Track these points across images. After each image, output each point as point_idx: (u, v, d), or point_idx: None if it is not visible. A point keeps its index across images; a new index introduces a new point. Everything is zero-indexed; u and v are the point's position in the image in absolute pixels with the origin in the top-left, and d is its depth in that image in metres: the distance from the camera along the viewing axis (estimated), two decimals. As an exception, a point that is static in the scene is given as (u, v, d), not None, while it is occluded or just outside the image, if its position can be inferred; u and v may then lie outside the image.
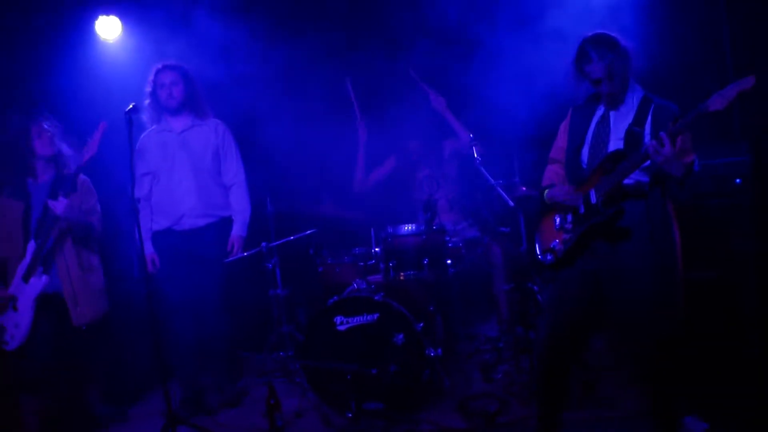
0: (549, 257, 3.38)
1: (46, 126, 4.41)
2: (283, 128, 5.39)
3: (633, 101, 3.29)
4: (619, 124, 3.29)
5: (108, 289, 4.52)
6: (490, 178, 4.54)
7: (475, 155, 4.63)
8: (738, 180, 4.40)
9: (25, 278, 4.26)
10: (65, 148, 4.47)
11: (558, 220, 3.42)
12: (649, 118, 3.21)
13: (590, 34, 3.28)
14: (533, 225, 3.57)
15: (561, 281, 3.37)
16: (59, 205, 4.20)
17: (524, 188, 4.59)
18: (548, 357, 3.33)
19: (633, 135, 3.20)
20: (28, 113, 4.42)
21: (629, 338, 3.30)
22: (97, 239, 4.50)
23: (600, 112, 3.38)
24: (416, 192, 5.38)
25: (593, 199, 3.26)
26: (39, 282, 4.25)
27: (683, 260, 3.21)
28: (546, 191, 3.48)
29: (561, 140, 3.57)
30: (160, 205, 4.82)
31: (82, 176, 4.47)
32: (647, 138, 3.19)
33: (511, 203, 4.31)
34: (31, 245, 4.29)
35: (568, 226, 3.35)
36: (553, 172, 3.61)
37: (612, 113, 3.34)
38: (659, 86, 3.48)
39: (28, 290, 4.25)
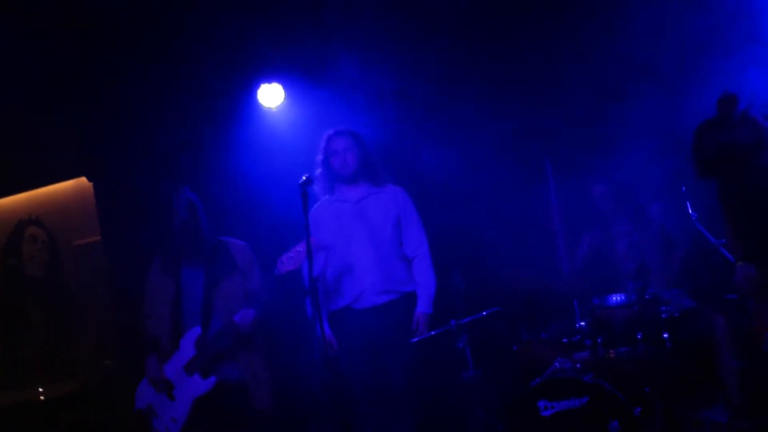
0: (765, 346, 3.31)
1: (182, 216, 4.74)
2: (470, 194, 5.65)
3: None
4: None
5: (279, 377, 4.83)
6: (711, 237, 4.53)
7: (690, 210, 4.64)
8: None
9: (188, 370, 4.59)
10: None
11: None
12: None
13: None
14: None
15: None
16: (247, 318, 4.57)
17: None
18: None
19: None
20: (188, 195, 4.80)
21: None
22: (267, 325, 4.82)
23: None
24: (619, 261, 5.43)
25: None
26: (204, 384, 4.55)
27: None
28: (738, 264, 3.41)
29: None
30: (338, 282, 5.05)
31: (239, 246, 4.83)
32: None
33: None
34: (195, 333, 4.63)
35: None
36: None
37: None
38: None
39: (190, 386, 4.57)
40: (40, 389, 6.31)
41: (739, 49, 5.05)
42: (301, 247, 4.42)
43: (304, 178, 4.35)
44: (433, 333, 4.95)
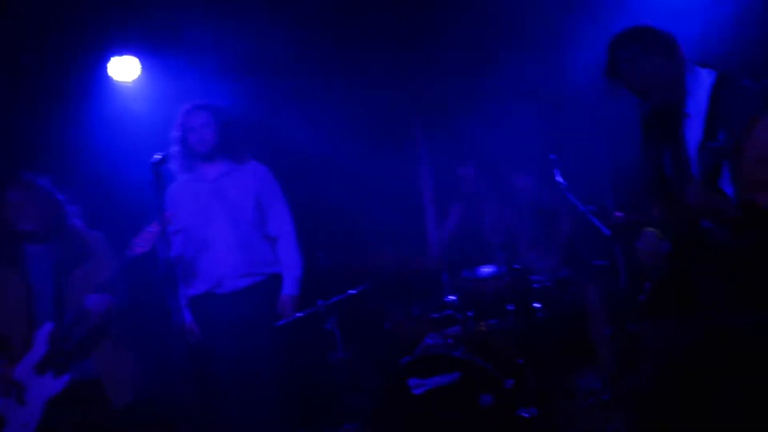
0: (641, 298, 3.18)
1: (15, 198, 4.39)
2: (335, 170, 5.47)
3: (701, 97, 2.92)
4: (692, 136, 2.95)
5: (141, 368, 4.56)
6: (579, 204, 4.47)
7: (559, 179, 4.57)
8: None
9: (39, 370, 4.24)
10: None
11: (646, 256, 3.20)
12: (722, 118, 2.80)
13: (617, 34, 3.04)
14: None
15: (657, 332, 3.20)
16: (100, 305, 4.25)
17: (620, 213, 4.50)
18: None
19: (705, 154, 2.79)
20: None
21: None
22: (127, 316, 4.53)
23: (665, 122, 3.08)
24: (489, 233, 5.34)
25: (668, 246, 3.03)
26: (56, 383, 4.22)
27: None
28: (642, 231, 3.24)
29: None
30: (196, 266, 4.80)
31: (93, 234, 4.53)
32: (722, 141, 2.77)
33: (607, 231, 4.22)
34: (46, 328, 4.29)
35: (656, 265, 3.12)
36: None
37: (685, 122, 3.00)
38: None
39: (41, 387, 4.22)
40: None
41: (609, 13, 4.96)
42: (153, 228, 4.18)
43: (157, 156, 4.06)
44: (300, 315, 4.76)
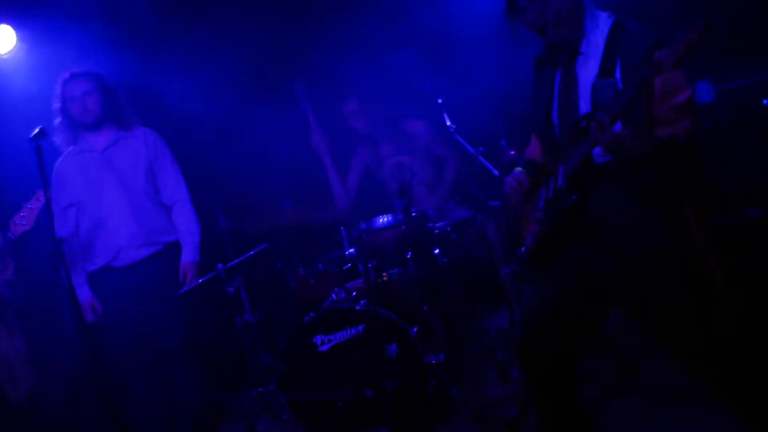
0: (522, 250, 3.12)
1: None
2: (226, 133, 5.34)
3: (597, 38, 2.93)
4: (587, 75, 2.95)
5: (36, 356, 4.43)
6: (469, 146, 4.42)
7: (448, 122, 4.51)
8: (765, 101, 4.31)
9: None
10: None
11: (531, 203, 3.14)
12: (618, 59, 2.85)
13: None
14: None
15: (534, 283, 3.10)
16: None
17: (513, 152, 4.45)
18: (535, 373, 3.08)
19: (600, 91, 2.84)
20: None
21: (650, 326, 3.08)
22: (16, 300, 4.39)
23: (561, 63, 3.07)
24: (387, 182, 5.29)
25: (559, 182, 2.95)
26: None
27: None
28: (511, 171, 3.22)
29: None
30: (92, 240, 4.65)
31: None
32: (619, 81, 2.83)
33: (497, 172, 4.19)
34: None
35: (538, 214, 3.06)
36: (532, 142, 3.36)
37: (579, 60, 2.99)
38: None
39: None
40: None
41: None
42: (33, 204, 4.05)
43: (36, 131, 3.91)
44: (202, 281, 4.66)
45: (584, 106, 2.93)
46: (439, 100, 4.63)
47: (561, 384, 3.07)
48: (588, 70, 2.93)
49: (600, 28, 2.94)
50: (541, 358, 3.03)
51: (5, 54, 5.26)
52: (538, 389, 3.09)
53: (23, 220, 4.03)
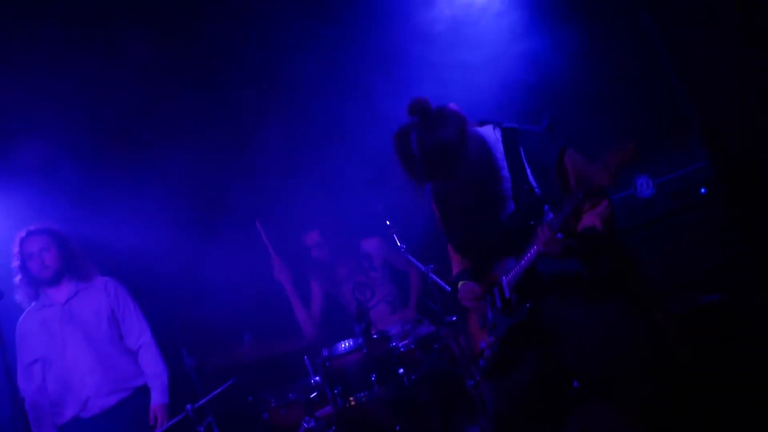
0: (481, 362, 3.15)
1: None
2: (185, 271, 5.38)
3: (496, 143, 2.98)
4: (500, 187, 2.99)
5: None
6: (420, 264, 4.46)
7: (398, 243, 4.57)
8: (703, 189, 4.37)
9: None
10: None
11: (478, 317, 3.18)
12: (526, 166, 2.93)
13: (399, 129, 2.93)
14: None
15: (499, 389, 3.13)
16: None
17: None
18: None
19: (521, 192, 2.92)
20: None
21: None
22: None
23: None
24: (348, 304, 5.31)
25: (506, 293, 2.99)
26: None
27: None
28: (459, 286, 3.22)
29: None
30: (60, 393, 4.63)
31: None
32: (538, 191, 2.92)
33: (448, 288, 4.19)
34: None
35: (489, 324, 3.11)
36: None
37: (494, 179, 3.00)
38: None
39: None
40: None
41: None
42: None
43: None
44: (171, 423, 4.61)
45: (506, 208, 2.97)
46: (388, 222, 4.71)
47: None
48: (503, 180, 2.96)
49: (489, 131, 3.00)
50: None
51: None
52: None
53: None
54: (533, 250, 2.82)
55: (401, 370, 4.56)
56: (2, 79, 4.93)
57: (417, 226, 4.75)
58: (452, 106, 2.97)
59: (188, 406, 4.59)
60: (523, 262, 2.89)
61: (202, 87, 5.41)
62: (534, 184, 2.92)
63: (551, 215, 2.80)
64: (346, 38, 5.23)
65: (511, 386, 3.06)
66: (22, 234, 4.72)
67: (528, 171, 2.93)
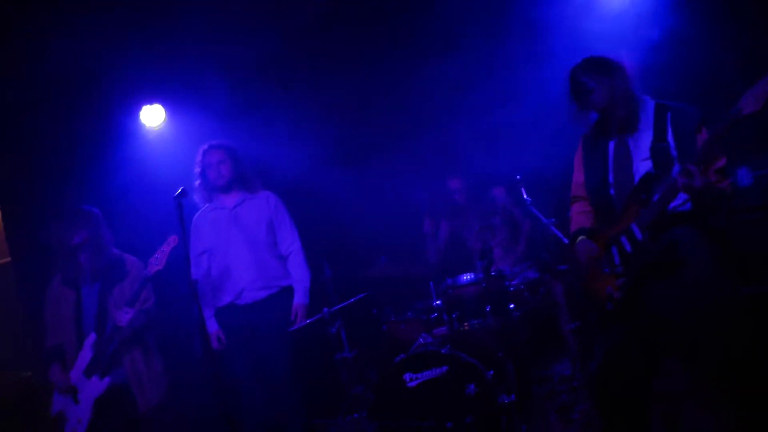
0: (609, 305, 3.39)
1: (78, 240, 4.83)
2: (334, 196, 5.92)
3: (647, 115, 3.34)
4: (641, 144, 3.35)
5: (170, 373, 4.95)
6: (542, 217, 4.87)
7: (525, 196, 4.98)
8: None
9: (87, 373, 4.67)
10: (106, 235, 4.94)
11: (604, 263, 3.43)
12: (669, 128, 3.26)
13: (579, 62, 3.41)
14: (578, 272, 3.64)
15: (621, 328, 3.41)
16: (124, 317, 4.61)
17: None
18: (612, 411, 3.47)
19: (659, 152, 3.25)
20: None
21: (697, 363, 3.33)
22: (155, 327, 4.94)
23: (614, 136, 3.45)
24: (470, 243, 5.76)
25: (638, 236, 3.25)
26: (101, 384, 4.64)
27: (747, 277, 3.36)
28: (577, 241, 3.53)
29: (578, 175, 3.66)
30: (221, 281, 5.24)
31: (131, 258, 4.95)
32: (674, 151, 3.25)
33: (566, 240, 4.61)
34: (91, 338, 4.71)
35: (619, 269, 3.35)
36: (580, 212, 3.70)
37: (628, 135, 3.40)
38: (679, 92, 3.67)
39: (90, 388, 4.65)
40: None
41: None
42: (164, 248, 4.62)
43: (179, 191, 4.52)
44: (309, 321, 5.17)
45: (641, 169, 3.32)
46: (518, 177, 5.13)
47: (637, 408, 3.45)
48: (643, 139, 3.35)
49: (647, 104, 3.38)
50: (618, 387, 3.43)
51: (156, 127, 6.07)
52: (615, 413, 3.46)
53: (156, 261, 4.61)
54: (665, 191, 3.13)
55: (512, 305, 5.05)
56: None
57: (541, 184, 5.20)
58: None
59: (325, 309, 5.20)
60: (658, 202, 3.18)
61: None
62: (671, 142, 3.26)
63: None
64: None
65: (631, 328, 3.38)
66: (205, 147, 5.29)
67: (669, 133, 3.27)
